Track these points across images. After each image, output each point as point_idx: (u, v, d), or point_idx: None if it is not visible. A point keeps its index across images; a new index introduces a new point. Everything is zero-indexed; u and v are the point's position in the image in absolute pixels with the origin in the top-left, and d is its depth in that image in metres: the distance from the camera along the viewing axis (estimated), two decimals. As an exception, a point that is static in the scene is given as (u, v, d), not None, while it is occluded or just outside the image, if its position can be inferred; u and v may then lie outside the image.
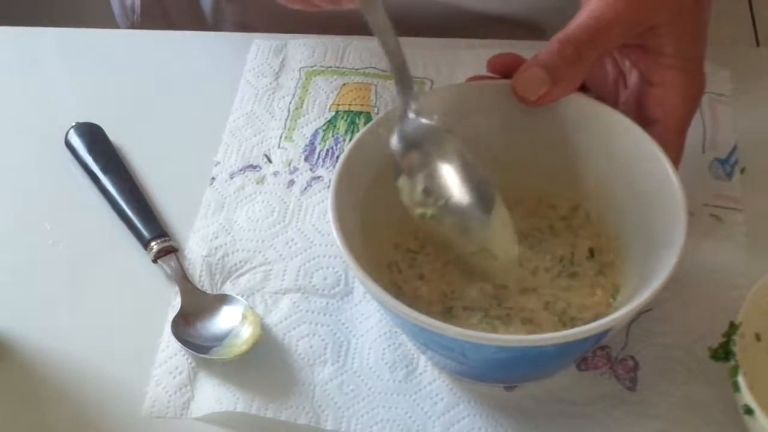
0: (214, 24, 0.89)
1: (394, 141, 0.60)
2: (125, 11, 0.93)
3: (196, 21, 0.90)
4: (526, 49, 0.78)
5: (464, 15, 0.83)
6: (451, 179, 0.60)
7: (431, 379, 0.61)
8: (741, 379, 0.54)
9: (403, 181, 0.60)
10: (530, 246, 0.63)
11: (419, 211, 0.60)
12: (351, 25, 0.79)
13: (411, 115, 0.60)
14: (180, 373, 0.62)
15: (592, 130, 0.63)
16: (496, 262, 0.61)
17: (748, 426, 0.55)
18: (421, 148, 0.60)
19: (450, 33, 0.79)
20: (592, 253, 0.63)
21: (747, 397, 0.53)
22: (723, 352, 0.56)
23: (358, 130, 0.73)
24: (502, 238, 0.60)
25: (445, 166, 0.60)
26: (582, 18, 0.60)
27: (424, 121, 0.60)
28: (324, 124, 0.74)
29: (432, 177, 0.60)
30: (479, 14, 0.84)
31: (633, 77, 0.64)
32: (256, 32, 0.82)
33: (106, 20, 0.96)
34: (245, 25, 0.87)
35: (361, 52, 0.78)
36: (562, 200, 0.65)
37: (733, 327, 0.56)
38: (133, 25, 0.93)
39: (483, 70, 0.76)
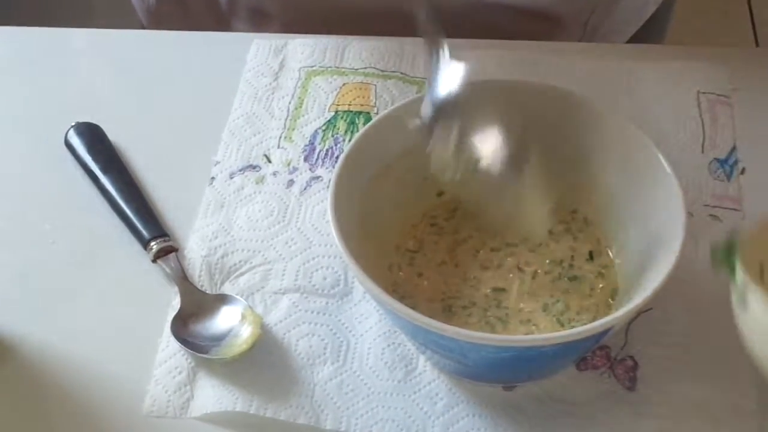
0: (229, 8, 0.89)
1: (425, 103, 0.60)
2: None
3: (210, 5, 0.90)
4: (527, 50, 0.78)
5: (482, 6, 0.83)
6: (483, 141, 0.59)
7: (430, 379, 0.61)
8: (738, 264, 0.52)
9: (434, 143, 0.59)
10: (530, 249, 0.64)
11: (449, 174, 0.59)
12: (363, 15, 0.79)
13: (443, 76, 0.60)
14: (180, 373, 0.62)
15: (591, 134, 0.63)
16: (526, 225, 0.61)
17: (741, 320, 0.53)
18: (453, 109, 0.59)
19: (468, 24, 0.79)
20: (591, 255, 0.63)
21: (743, 277, 0.51)
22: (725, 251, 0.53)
23: (357, 130, 0.73)
24: (531, 203, 0.60)
25: (476, 127, 0.59)
26: None
27: (456, 82, 0.60)
28: (324, 124, 0.74)
29: (463, 138, 0.59)
30: (497, 4, 0.83)
31: None
32: (270, 17, 0.82)
33: (109, 20, 0.96)
34: (260, 9, 0.87)
35: (361, 52, 0.78)
36: (562, 204, 0.65)
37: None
38: (149, 9, 0.93)
39: (483, 70, 0.76)
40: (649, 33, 0.93)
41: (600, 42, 0.88)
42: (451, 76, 0.60)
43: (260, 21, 0.88)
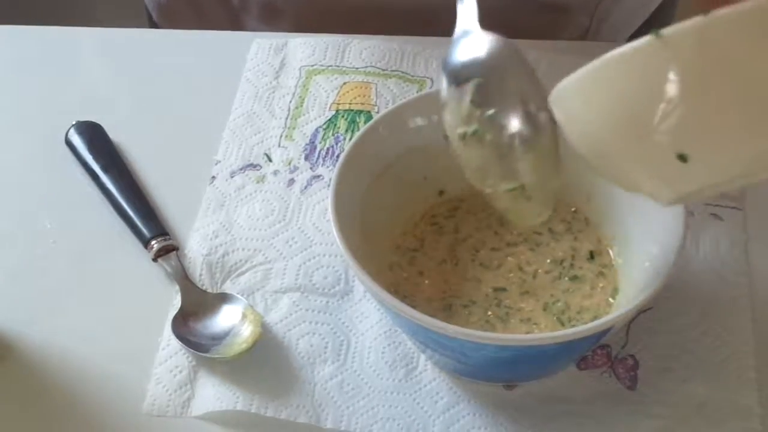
0: (240, 3, 0.88)
1: (447, 53, 0.58)
2: None
3: (222, 1, 0.89)
4: (527, 49, 0.78)
5: None
6: (503, 91, 0.57)
7: (431, 378, 0.61)
8: None
9: (449, 93, 0.57)
10: (530, 249, 0.64)
11: (461, 130, 0.57)
12: (375, 11, 0.78)
13: (469, 26, 0.58)
14: (180, 372, 0.62)
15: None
16: (529, 203, 0.57)
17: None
18: (476, 58, 0.57)
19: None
20: (592, 255, 0.63)
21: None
22: None
23: (358, 129, 0.73)
24: (544, 165, 0.57)
25: (498, 76, 0.57)
26: None
27: (483, 32, 0.58)
28: (324, 123, 0.74)
29: (482, 87, 0.57)
30: None
31: None
32: (282, 13, 0.82)
33: (112, 20, 0.96)
34: (271, 5, 0.86)
35: (362, 50, 0.78)
36: (562, 204, 0.65)
37: None
38: (159, 5, 0.92)
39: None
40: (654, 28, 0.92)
41: (607, 33, 0.88)
42: (472, 39, 0.58)
43: (272, 17, 0.87)
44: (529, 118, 0.56)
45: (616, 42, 0.89)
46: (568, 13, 0.86)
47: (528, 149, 0.56)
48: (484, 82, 0.57)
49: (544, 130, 0.56)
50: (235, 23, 0.89)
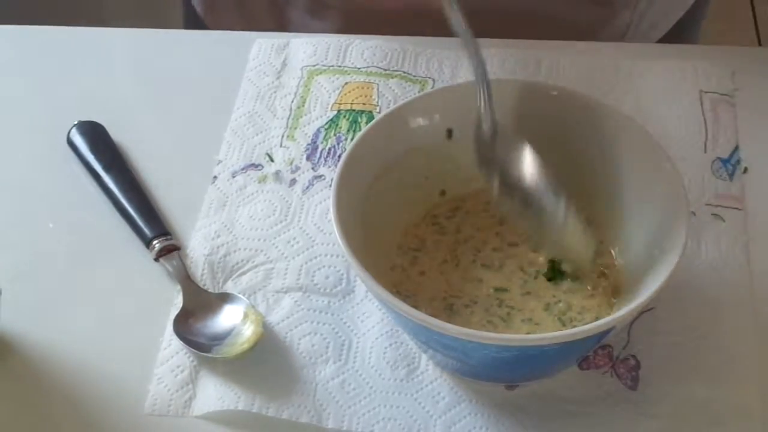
0: None
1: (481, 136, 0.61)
2: None
3: None
4: (531, 49, 0.78)
5: None
6: (529, 182, 0.61)
7: (432, 378, 0.61)
8: None
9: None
10: (532, 250, 0.63)
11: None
12: (426, 11, 0.78)
13: (489, 126, 0.61)
14: (182, 372, 0.62)
15: (593, 133, 0.63)
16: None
17: None
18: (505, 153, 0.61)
19: (520, 12, 0.78)
20: (593, 255, 0.63)
21: None
22: None
23: (360, 129, 0.73)
24: (576, 244, 0.61)
25: (524, 170, 0.61)
26: None
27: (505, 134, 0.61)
28: (326, 123, 0.74)
29: (508, 174, 0.61)
30: None
31: None
32: (329, 7, 0.82)
33: (113, 19, 0.96)
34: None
35: (363, 50, 0.78)
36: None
37: None
38: None
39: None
40: (685, 27, 0.92)
41: (645, 30, 0.88)
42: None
43: (318, 10, 0.86)
44: (554, 207, 0.61)
45: (659, 29, 0.89)
46: (611, 7, 0.85)
47: (557, 229, 0.61)
48: (509, 171, 0.61)
49: (568, 218, 0.60)
50: (280, 17, 0.88)
